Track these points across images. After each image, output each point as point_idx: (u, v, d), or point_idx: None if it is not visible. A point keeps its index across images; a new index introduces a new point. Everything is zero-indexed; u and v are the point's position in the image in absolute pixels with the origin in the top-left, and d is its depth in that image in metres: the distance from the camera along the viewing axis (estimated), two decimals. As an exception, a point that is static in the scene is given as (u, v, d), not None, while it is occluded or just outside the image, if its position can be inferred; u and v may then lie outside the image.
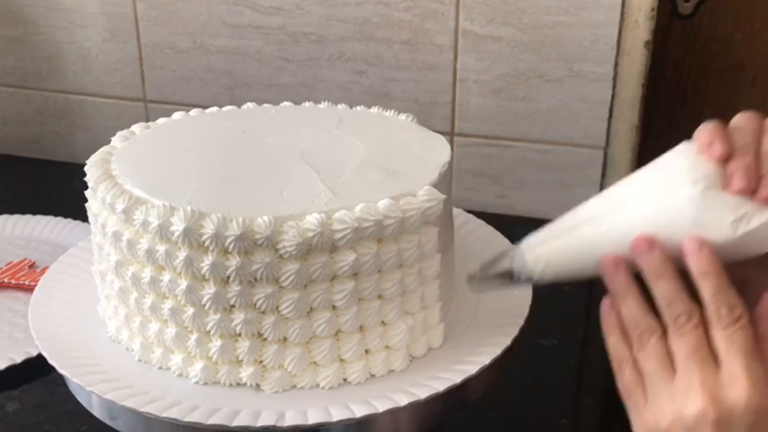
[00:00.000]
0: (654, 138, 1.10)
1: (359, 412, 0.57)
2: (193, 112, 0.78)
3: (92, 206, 0.65)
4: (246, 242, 0.56)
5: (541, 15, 1.04)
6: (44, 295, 0.71)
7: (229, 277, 0.57)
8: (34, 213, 1.07)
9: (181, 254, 0.57)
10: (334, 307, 0.59)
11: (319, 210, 0.57)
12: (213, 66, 1.19)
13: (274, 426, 0.56)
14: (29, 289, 0.83)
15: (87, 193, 0.66)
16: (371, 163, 0.65)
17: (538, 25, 1.04)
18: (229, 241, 0.56)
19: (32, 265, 0.96)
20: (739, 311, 0.49)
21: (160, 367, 0.63)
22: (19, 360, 0.80)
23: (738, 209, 0.51)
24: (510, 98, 1.09)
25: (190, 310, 0.59)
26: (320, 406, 0.58)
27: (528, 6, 1.04)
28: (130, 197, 0.60)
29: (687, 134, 0.55)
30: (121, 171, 0.64)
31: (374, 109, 0.77)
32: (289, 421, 0.56)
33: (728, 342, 0.49)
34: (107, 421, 0.62)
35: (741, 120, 0.53)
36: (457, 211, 0.76)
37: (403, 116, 0.75)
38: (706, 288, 0.50)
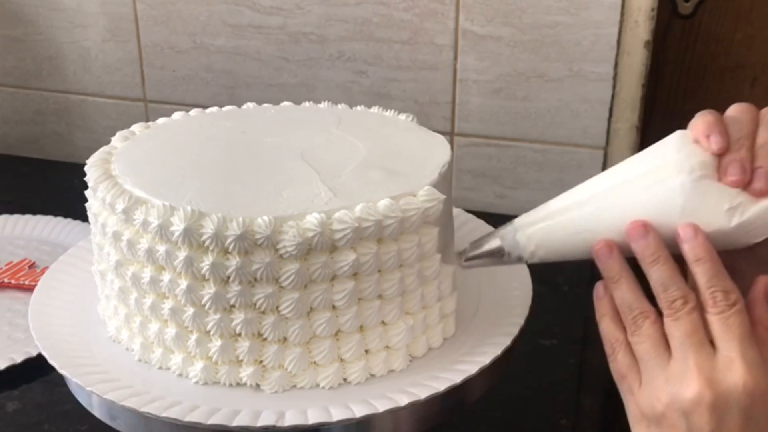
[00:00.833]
0: (654, 138, 1.10)
1: (359, 412, 0.57)
2: (193, 112, 0.78)
3: (92, 206, 0.65)
4: (246, 242, 0.56)
5: (541, 15, 1.04)
6: (44, 295, 0.71)
7: (229, 277, 0.57)
8: (34, 213, 1.07)
9: (181, 254, 0.57)
10: (334, 306, 0.59)
11: (319, 210, 0.57)
12: (213, 66, 1.19)
13: (274, 426, 0.56)
14: (29, 289, 0.83)
15: (87, 193, 0.66)
16: (371, 163, 0.65)
17: (538, 25, 1.04)
18: (229, 241, 0.56)
19: (32, 265, 0.96)
20: (735, 296, 0.50)
21: (160, 367, 0.63)
22: (19, 360, 0.80)
23: (733, 199, 0.51)
24: (510, 98, 1.09)
25: (190, 310, 0.59)
26: (320, 406, 0.58)
27: (528, 6, 1.04)
28: (130, 197, 0.60)
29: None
30: (121, 171, 0.64)
31: (374, 109, 0.77)
32: (289, 421, 0.56)
33: (724, 326, 0.49)
34: (107, 421, 0.62)
35: (737, 111, 0.54)
36: (457, 211, 0.76)
37: (403, 116, 0.75)
38: (702, 273, 0.50)
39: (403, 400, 0.58)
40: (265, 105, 0.80)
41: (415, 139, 0.70)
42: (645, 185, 0.53)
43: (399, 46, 1.10)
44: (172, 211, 0.57)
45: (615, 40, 1.03)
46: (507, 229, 0.58)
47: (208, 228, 0.56)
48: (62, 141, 1.31)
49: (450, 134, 1.12)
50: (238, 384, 0.60)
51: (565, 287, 0.96)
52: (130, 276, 0.61)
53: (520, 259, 0.58)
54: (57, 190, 1.18)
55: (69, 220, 1.05)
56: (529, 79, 1.07)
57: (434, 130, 0.73)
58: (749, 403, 0.48)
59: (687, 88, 1.10)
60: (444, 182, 0.63)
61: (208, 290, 0.58)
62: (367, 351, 0.61)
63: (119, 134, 0.72)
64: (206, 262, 0.57)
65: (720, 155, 0.52)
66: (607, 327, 0.54)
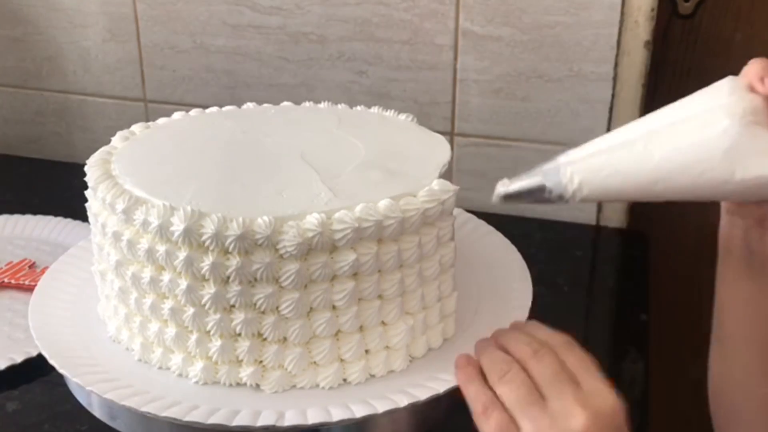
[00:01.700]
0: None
1: (359, 412, 0.57)
2: (194, 112, 0.78)
3: (92, 206, 0.65)
4: (246, 242, 0.56)
5: (541, 15, 1.04)
6: (44, 295, 0.71)
7: (229, 277, 0.57)
8: (34, 213, 1.07)
9: (181, 254, 0.57)
10: (334, 307, 0.59)
11: (319, 210, 0.57)
12: (213, 66, 1.19)
13: (273, 426, 0.56)
14: (29, 289, 0.83)
15: (87, 193, 0.66)
16: (371, 163, 0.65)
17: (538, 25, 1.04)
18: (229, 241, 0.56)
19: (32, 265, 0.96)
20: (537, 345, 0.55)
21: (160, 367, 0.63)
22: (19, 360, 0.80)
23: None
24: (510, 98, 1.09)
25: (190, 310, 0.59)
26: (320, 406, 0.58)
27: (528, 6, 1.04)
28: (130, 197, 0.60)
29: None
30: (121, 171, 0.64)
31: (374, 109, 0.77)
32: (288, 421, 0.56)
33: (580, 363, 0.54)
34: (107, 421, 0.62)
35: None
36: (456, 211, 0.76)
37: (402, 116, 0.75)
38: (507, 393, 0.54)
39: (403, 401, 0.58)
40: (266, 105, 0.80)
41: (414, 139, 0.70)
42: (695, 127, 0.52)
43: (399, 46, 1.10)
44: (172, 211, 0.57)
45: (615, 40, 1.03)
46: (550, 166, 0.56)
47: (209, 228, 0.56)
48: (62, 141, 1.31)
49: (450, 134, 1.12)
50: (238, 384, 0.60)
51: (565, 287, 0.96)
52: (130, 276, 0.61)
53: (561, 198, 0.56)
54: (57, 190, 1.18)
55: (69, 220, 1.05)
56: (529, 79, 1.07)
57: (434, 130, 0.73)
58: (621, 419, 0.52)
59: (687, 88, 1.10)
60: (447, 179, 0.63)
61: (208, 290, 0.58)
62: (367, 351, 0.61)
63: (119, 134, 0.73)
64: (206, 262, 0.57)
65: None
66: (476, 391, 0.55)
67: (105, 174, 0.64)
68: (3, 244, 1.01)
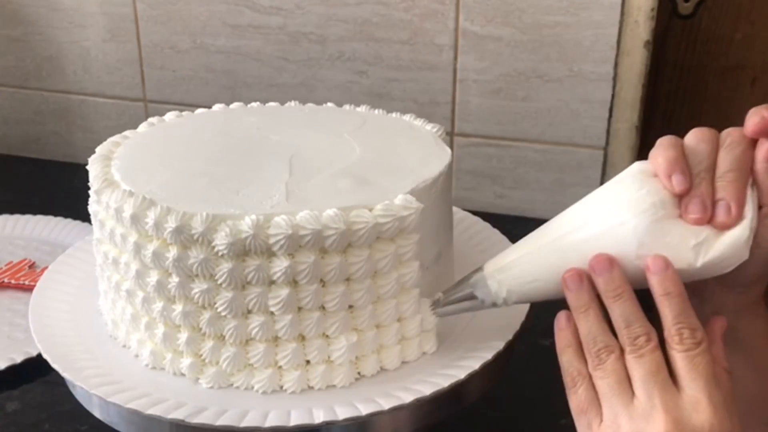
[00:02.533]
0: (654, 138, 1.10)
1: (365, 410, 0.57)
2: (217, 106, 0.79)
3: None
4: (183, 236, 0.56)
5: (541, 15, 1.04)
6: (44, 295, 0.71)
7: (168, 268, 0.58)
8: (34, 213, 1.07)
9: (131, 238, 0.59)
10: (270, 312, 0.58)
11: (261, 212, 0.57)
12: (213, 66, 1.19)
13: (282, 426, 0.56)
14: (29, 289, 0.83)
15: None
16: (350, 171, 0.64)
17: (538, 25, 1.04)
18: (167, 232, 0.57)
19: (32, 265, 0.96)
20: (701, 335, 0.49)
21: (160, 368, 0.63)
22: (19, 360, 0.80)
23: (698, 234, 0.51)
24: (510, 98, 1.09)
25: (140, 295, 0.60)
26: (326, 405, 0.58)
27: (528, 6, 1.04)
28: (104, 180, 0.63)
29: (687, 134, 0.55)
30: (118, 158, 0.66)
31: (407, 117, 0.76)
32: (294, 420, 0.56)
33: (690, 365, 0.49)
34: (107, 421, 0.62)
35: (696, 140, 0.53)
36: (455, 210, 0.76)
37: (429, 126, 0.73)
38: (670, 308, 0.50)
39: (408, 398, 0.57)
40: (292, 104, 0.80)
41: (419, 151, 0.68)
42: (607, 228, 0.53)
43: (399, 46, 1.10)
44: (127, 197, 0.59)
45: (615, 40, 1.03)
46: (477, 278, 0.58)
47: (150, 217, 0.57)
48: (62, 141, 1.31)
49: (450, 134, 1.12)
50: (230, 386, 0.61)
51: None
52: (102, 256, 0.63)
53: (494, 305, 0.58)
54: (57, 190, 1.18)
55: (69, 220, 1.05)
56: (529, 79, 1.07)
57: (434, 130, 0.73)
58: None
59: (687, 88, 1.10)
60: (424, 195, 0.61)
61: (152, 278, 0.59)
62: (307, 361, 0.60)
63: (148, 121, 0.75)
64: (149, 250, 0.58)
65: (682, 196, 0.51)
66: (569, 359, 0.54)
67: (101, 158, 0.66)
68: (3, 244, 1.01)
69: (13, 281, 0.92)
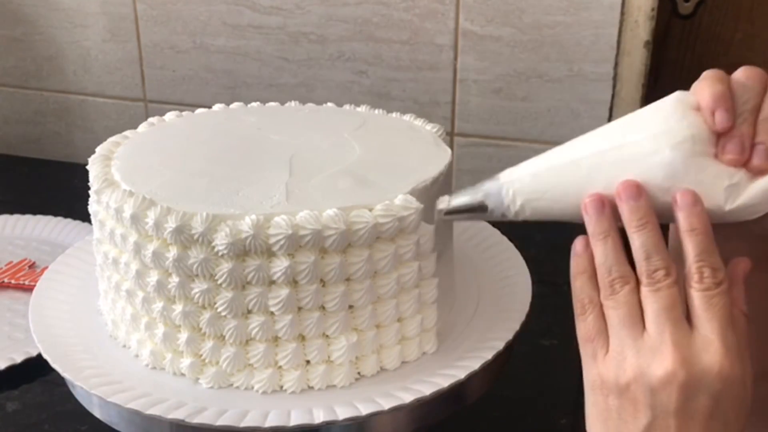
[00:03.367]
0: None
1: (365, 410, 0.57)
2: (217, 106, 0.79)
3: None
4: (183, 236, 0.57)
5: (541, 15, 1.04)
6: (44, 295, 0.71)
7: (168, 268, 0.58)
8: (34, 213, 1.07)
9: (131, 238, 0.59)
10: (270, 312, 0.58)
11: (261, 212, 0.57)
12: (213, 66, 1.19)
13: (282, 426, 0.56)
14: (29, 289, 0.83)
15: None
16: (350, 171, 0.64)
17: (538, 25, 1.04)
18: (167, 232, 0.57)
19: (32, 265, 0.96)
20: (722, 275, 0.48)
21: (160, 368, 0.63)
22: (19, 360, 0.80)
23: (731, 176, 0.49)
24: (510, 98, 1.09)
25: (140, 295, 0.60)
26: (326, 405, 0.58)
27: (528, 6, 1.04)
28: (104, 180, 0.63)
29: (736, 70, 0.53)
30: (118, 158, 0.66)
31: (407, 117, 0.76)
32: (294, 420, 0.56)
33: (707, 305, 0.47)
34: (107, 421, 0.62)
35: (745, 77, 0.50)
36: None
37: (429, 126, 0.73)
38: (693, 245, 0.48)
39: (408, 398, 0.58)
40: (292, 104, 0.80)
41: (419, 151, 0.68)
42: (637, 154, 0.50)
43: (399, 46, 1.10)
44: (127, 197, 0.59)
45: (615, 40, 1.03)
46: (491, 184, 0.55)
47: (150, 217, 0.57)
48: (62, 141, 1.31)
49: (450, 134, 1.12)
50: (230, 386, 0.61)
51: (565, 287, 0.96)
52: (102, 256, 0.63)
53: (504, 216, 0.54)
54: (57, 190, 1.18)
55: (69, 220, 1.05)
56: (529, 79, 1.07)
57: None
58: (720, 387, 0.46)
59: (687, 88, 1.10)
60: (424, 195, 0.61)
61: (152, 278, 0.59)
62: (307, 361, 0.60)
63: (148, 121, 0.75)
64: (149, 250, 0.58)
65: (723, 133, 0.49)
66: (581, 285, 0.52)
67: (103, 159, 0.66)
68: (3, 244, 1.01)
69: (13, 281, 0.92)
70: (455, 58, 1.09)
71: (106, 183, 0.63)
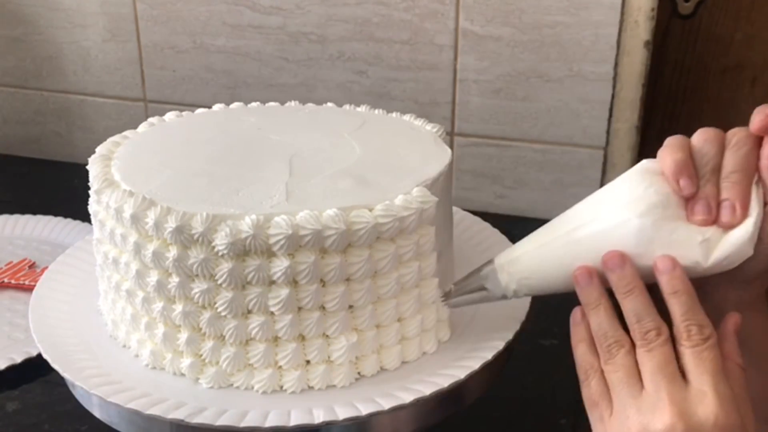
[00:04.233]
0: (654, 138, 1.10)
1: (365, 410, 0.57)
2: (217, 106, 0.79)
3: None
4: (183, 236, 0.56)
5: (541, 15, 1.04)
6: (44, 295, 0.71)
7: (168, 268, 0.58)
8: (34, 213, 1.07)
9: (131, 238, 0.59)
10: (270, 312, 0.58)
11: (261, 212, 0.57)
12: (213, 66, 1.19)
13: (282, 426, 0.56)
14: (29, 289, 0.83)
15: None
16: (350, 171, 0.63)
17: (538, 25, 1.04)
18: (167, 232, 0.57)
19: (32, 265, 0.96)
20: (709, 331, 0.51)
21: (160, 368, 0.63)
22: (19, 360, 0.80)
23: (704, 232, 0.52)
24: (510, 98, 1.09)
25: (140, 295, 0.60)
26: (326, 405, 0.58)
27: (528, 6, 1.04)
28: (104, 180, 0.63)
29: (687, 134, 0.55)
30: (118, 158, 0.66)
31: (407, 117, 0.76)
32: (294, 420, 0.56)
33: (697, 360, 0.50)
34: (107, 421, 0.62)
35: (703, 141, 0.54)
36: (456, 210, 0.76)
37: (429, 126, 0.73)
38: (678, 306, 0.51)
39: (408, 398, 0.57)
40: (293, 104, 0.80)
41: (419, 151, 0.68)
42: (614, 223, 0.54)
43: (399, 46, 1.10)
44: (127, 197, 0.59)
45: (615, 40, 1.03)
46: (487, 270, 0.59)
47: (150, 217, 0.57)
48: (62, 141, 1.31)
49: (450, 134, 1.12)
50: (230, 386, 0.61)
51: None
52: (102, 256, 0.63)
53: (504, 297, 0.59)
54: (57, 190, 1.18)
55: (69, 220, 1.05)
56: (529, 79, 1.07)
57: (434, 130, 0.73)
58: None
59: (687, 88, 1.10)
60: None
61: (152, 278, 0.59)
62: (308, 361, 0.60)
63: (148, 121, 0.75)
64: (149, 250, 0.58)
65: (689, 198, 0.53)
66: (582, 353, 0.55)
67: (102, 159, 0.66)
68: (3, 244, 1.01)
69: (13, 281, 0.92)
70: (455, 58, 1.09)
71: (106, 183, 0.63)
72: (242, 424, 0.56)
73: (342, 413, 0.56)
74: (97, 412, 0.62)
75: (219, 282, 0.57)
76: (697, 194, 0.53)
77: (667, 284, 0.52)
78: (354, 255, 0.58)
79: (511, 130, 1.11)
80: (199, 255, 0.57)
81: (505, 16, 1.05)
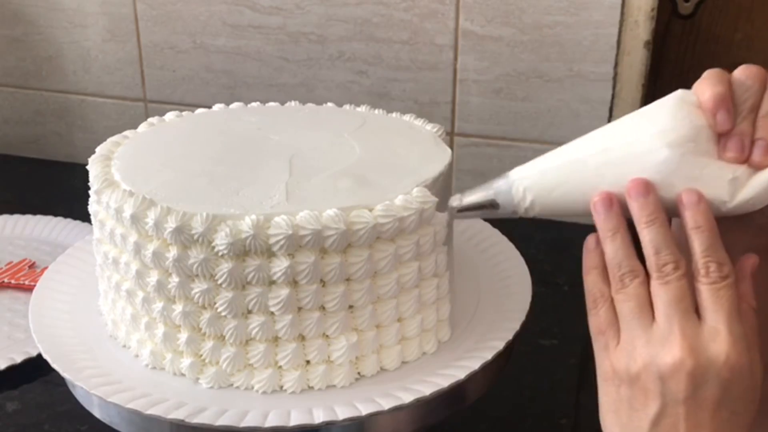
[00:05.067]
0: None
1: (365, 410, 0.57)
2: (217, 106, 0.79)
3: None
4: (183, 236, 0.56)
5: (541, 15, 1.04)
6: (44, 295, 0.71)
7: (168, 268, 0.58)
8: (34, 213, 1.07)
9: (131, 238, 0.59)
10: (270, 312, 0.58)
11: (261, 212, 0.57)
12: (213, 66, 1.19)
13: (282, 426, 0.56)
14: (29, 289, 0.83)
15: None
16: (350, 171, 0.64)
17: (538, 25, 1.04)
18: (167, 232, 0.57)
19: (32, 265, 0.96)
20: (728, 269, 0.49)
21: (160, 368, 0.63)
22: (19, 360, 0.80)
23: (734, 170, 0.51)
24: (510, 98, 1.09)
25: (140, 295, 0.60)
26: (326, 405, 0.58)
27: (528, 6, 1.04)
28: (104, 180, 0.63)
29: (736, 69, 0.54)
30: (118, 158, 0.66)
31: (407, 117, 0.76)
32: (294, 420, 0.56)
33: (714, 297, 0.49)
34: (107, 421, 0.62)
35: (745, 75, 0.52)
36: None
37: (429, 126, 0.73)
38: (699, 242, 0.49)
39: (408, 398, 0.58)
40: (293, 104, 0.80)
41: (419, 151, 0.68)
42: (643, 150, 0.51)
43: (399, 46, 1.10)
44: (127, 197, 0.59)
45: (615, 40, 1.03)
46: (501, 182, 0.56)
47: (150, 217, 0.57)
48: (62, 141, 1.31)
49: (450, 134, 1.12)
50: (230, 386, 0.61)
51: (565, 287, 0.96)
52: (102, 256, 0.63)
53: (514, 213, 0.56)
54: (57, 190, 1.18)
55: (69, 220, 1.05)
56: (529, 79, 1.07)
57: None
58: (728, 376, 0.47)
59: (687, 88, 1.10)
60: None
61: (152, 278, 0.59)
62: (307, 362, 0.60)
63: (148, 121, 0.75)
64: (149, 250, 0.58)
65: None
66: (593, 280, 0.53)
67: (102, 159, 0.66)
68: (3, 244, 1.01)
69: (13, 281, 0.92)
70: (455, 58, 1.09)
71: (106, 183, 0.63)
72: (242, 424, 0.56)
73: (342, 413, 0.56)
74: (97, 412, 0.62)
75: (219, 282, 0.57)
76: (732, 130, 0.51)
77: (690, 219, 0.50)
78: (354, 255, 0.58)
79: (511, 130, 1.11)
80: (199, 255, 0.57)
81: (505, 16, 1.05)
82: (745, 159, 0.51)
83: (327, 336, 0.60)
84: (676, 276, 0.49)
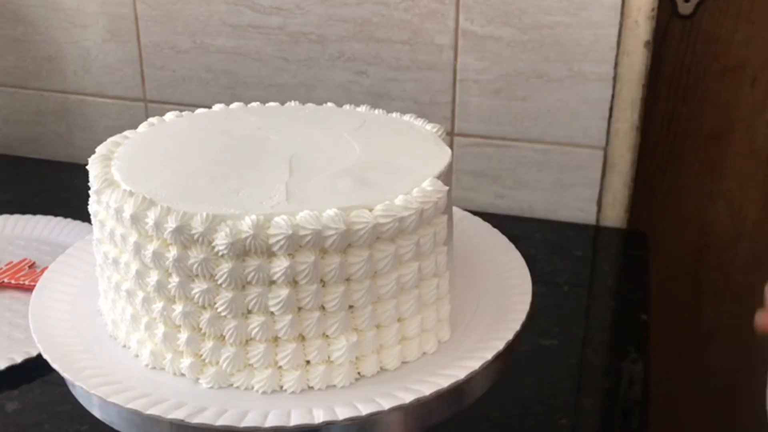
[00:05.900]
0: (654, 138, 1.10)
1: (365, 410, 0.57)
2: (217, 106, 0.79)
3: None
4: (183, 236, 0.56)
5: (541, 15, 1.04)
6: (44, 295, 0.71)
7: (168, 268, 0.58)
8: (34, 213, 1.07)
9: (131, 238, 0.59)
10: (270, 312, 0.58)
11: (261, 212, 0.57)
12: (213, 66, 1.19)
13: (282, 426, 0.56)
14: (29, 289, 0.83)
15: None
16: (350, 171, 0.63)
17: (538, 25, 1.04)
18: (167, 232, 0.57)
19: (32, 265, 0.96)
20: None
21: (160, 368, 0.63)
22: (19, 360, 0.80)
23: None
24: (510, 98, 1.09)
25: (140, 295, 0.60)
26: (326, 405, 0.58)
27: (528, 6, 1.04)
28: (104, 180, 0.63)
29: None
30: (118, 158, 0.66)
31: (407, 117, 0.76)
32: (294, 420, 0.56)
33: None
34: (107, 421, 0.62)
35: None
36: (456, 210, 0.76)
37: (429, 126, 0.73)
38: None
39: (408, 398, 0.57)
40: (292, 104, 0.80)
41: (419, 151, 0.68)
42: None
43: (399, 46, 1.10)
44: (127, 197, 0.59)
45: (615, 40, 1.03)
46: None
47: (150, 217, 0.57)
48: (62, 141, 1.31)
49: (450, 134, 1.12)
50: (230, 386, 0.60)
51: (565, 287, 0.96)
52: (102, 256, 0.63)
53: None
54: (57, 190, 1.18)
55: (69, 220, 1.05)
56: (529, 79, 1.07)
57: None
58: None
59: (687, 88, 1.10)
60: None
61: (152, 278, 0.59)
62: (307, 362, 0.60)
63: (148, 121, 0.75)
64: (149, 250, 0.58)
65: None
66: None
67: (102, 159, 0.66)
68: (3, 244, 1.01)
69: (13, 281, 0.92)
70: (455, 58, 1.09)
71: (106, 183, 0.63)
72: (242, 425, 0.56)
73: (342, 413, 0.56)
74: (97, 412, 0.62)
75: (219, 282, 0.57)
76: None
77: None
78: (354, 255, 0.58)
79: (511, 130, 1.11)
80: (199, 255, 0.57)
81: (505, 16, 1.05)
82: None
83: (327, 336, 0.60)
84: None
